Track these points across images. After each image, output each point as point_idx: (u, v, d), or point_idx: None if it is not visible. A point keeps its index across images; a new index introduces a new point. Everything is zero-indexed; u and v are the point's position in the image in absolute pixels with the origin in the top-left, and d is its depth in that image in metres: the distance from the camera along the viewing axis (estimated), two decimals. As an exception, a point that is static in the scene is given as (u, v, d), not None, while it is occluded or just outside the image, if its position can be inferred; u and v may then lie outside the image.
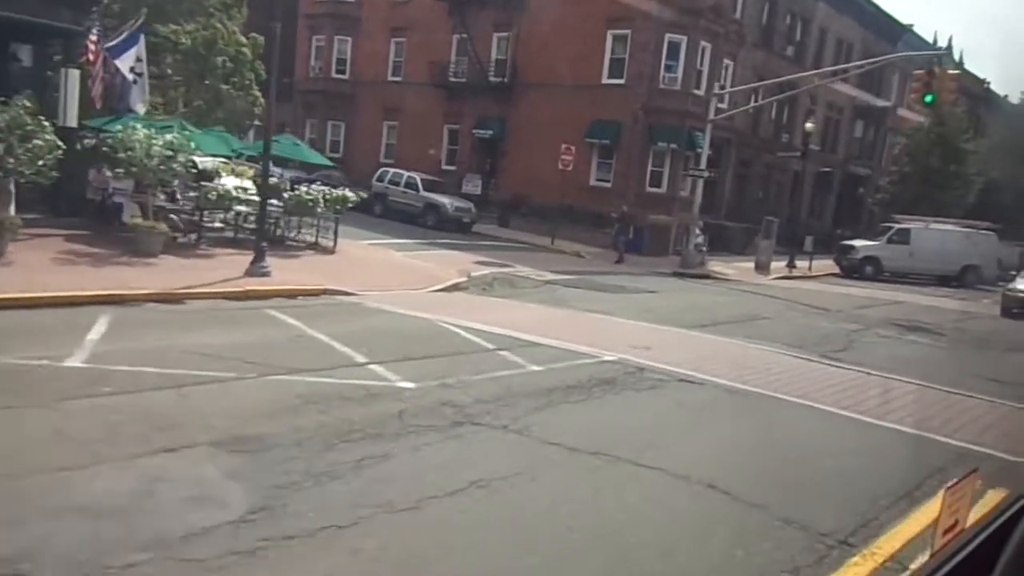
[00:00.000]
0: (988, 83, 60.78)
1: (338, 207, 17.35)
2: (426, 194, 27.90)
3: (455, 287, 15.84)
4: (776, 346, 12.16)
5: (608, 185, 30.45)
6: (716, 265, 27.43)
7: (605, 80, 30.45)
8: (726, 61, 33.23)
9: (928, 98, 19.57)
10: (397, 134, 37.35)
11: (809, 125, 29.61)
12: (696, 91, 30.32)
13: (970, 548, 1.23)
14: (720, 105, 32.82)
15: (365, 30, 38.27)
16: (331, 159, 38.01)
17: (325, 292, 13.42)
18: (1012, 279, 22.10)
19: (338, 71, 39.09)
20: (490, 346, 9.98)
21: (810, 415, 8.20)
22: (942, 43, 54.03)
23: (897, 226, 29.47)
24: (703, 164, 25.99)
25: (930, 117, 37.65)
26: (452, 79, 34.84)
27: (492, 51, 33.91)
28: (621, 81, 30.03)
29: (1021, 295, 19.42)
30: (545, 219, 29.30)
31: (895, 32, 45.89)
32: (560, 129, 29.81)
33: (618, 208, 25.91)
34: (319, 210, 17.13)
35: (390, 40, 37.38)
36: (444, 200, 27.68)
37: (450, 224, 27.29)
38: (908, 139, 38.84)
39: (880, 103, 44.59)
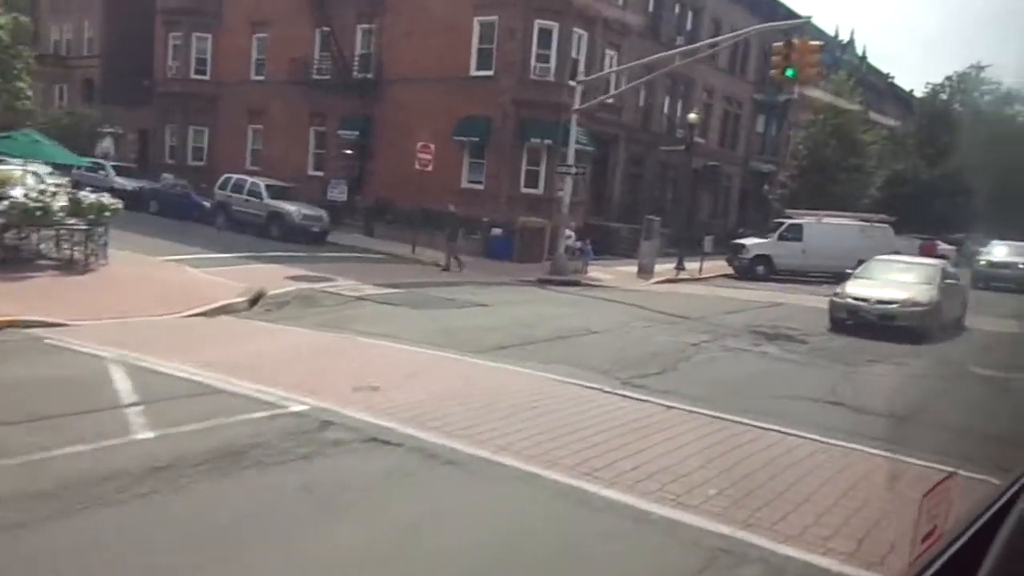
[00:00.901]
0: (892, 77, 60.50)
1: (92, 216, 14.30)
2: (270, 202, 24.93)
3: (223, 310, 12.98)
4: (575, 371, 9.63)
5: (481, 187, 27.87)
6: (597, 270, 25.08)
7: (473, 72, 27.91)
8: (609, 51, 31.05)
9: (789, 72, 17.48)
10: (263, 138, 34.20)
11: (693, 116, 27.51)
12: (573, 83, 27.98)
13: (950, 553, 1.20)
14: (607, 100, 30.72)
15: (225, 26, 35.04)
16: (195, 167, 34.88)
17: (11, 324, 10.42)
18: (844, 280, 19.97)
19: (198, 71, 35.74)
20: (132, 400, 7.18)
21: (529, 494, 5.60)
22: (844, 37, 53.28)
23: (788, 222, 27.56)
24: (571, 160, 23.54)
25: (827, 109, 36.20)
26: (316, 77, 31.88)
27: (356, 45, 31.10)
28: (490, 73, 27.52)
29: (852, 303, 14.93)
30: (413, 226, 26.73)
31: (788, 17, 44.52)
32: (428, 127, 27.14)
33: (460, 204, 23.36)
34: (68, 220, 14.06)
35: (251, 36, 34.22)
36: (290, 208, 24.71)
37: (298, 235, 24.37)
38: (806, 131, 37.28)
39: (782, 96, 43.09)
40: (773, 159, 42.84)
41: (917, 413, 8.72)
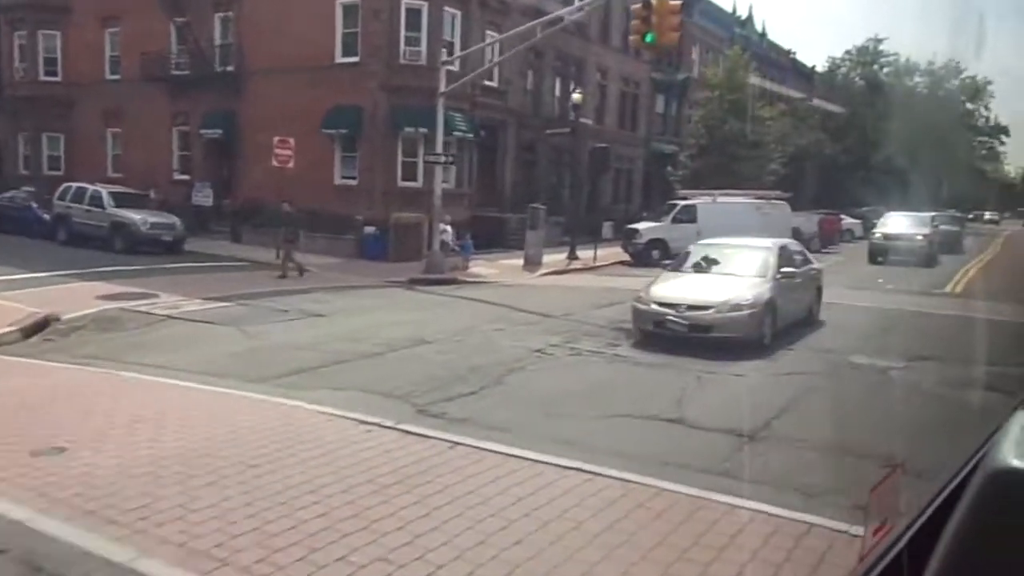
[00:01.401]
0: (794, 53, 60.52)
1: None
2: (114, 211, 22.43)
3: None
4: (368, 399, 7.88)
5: (354, 182, 25.85)
6: (481, 265, 23.40)
7: (339, 59, 25.83)
8: (490, 32, 29.28)
9: (648, 37, 16.06)
10: (123, 142, 31.41)
11: (576, 96, 26.00)
12: (450, 67, 26.18)
13: (901, 544, 1.21)
14: (490, 83, 29.08)
15: (74, 21, 32.00)
16: (51, 177, 31.83)
17: None
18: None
19: (48, 72, 32.61)
20: None
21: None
22: (743, 14, 52.81)
23: (682, 203, 26.36)
24: (439, 148, 21.74)
25: (723, 86, 35.27)
26: (175, 72, 29.28)
27: (215, 35, 28.64)
28: (356, 59, 25.48)
29: (656, 309, 11.35)
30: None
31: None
32: (296, 121, 25.04)
33: (331, 201, 21.53)
34: None
35: (103, 31, 31.35)
36: (134, 217, 22.26)
37: (146, 245, 21.99)
38: (703, 109, 36.29)
39: (680, 75, 42.14)
40: (675, 139, 41.84)
41: (763, 431, 7.20)
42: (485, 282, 20.67)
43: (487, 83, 29.48)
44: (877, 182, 49.61)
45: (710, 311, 10.90)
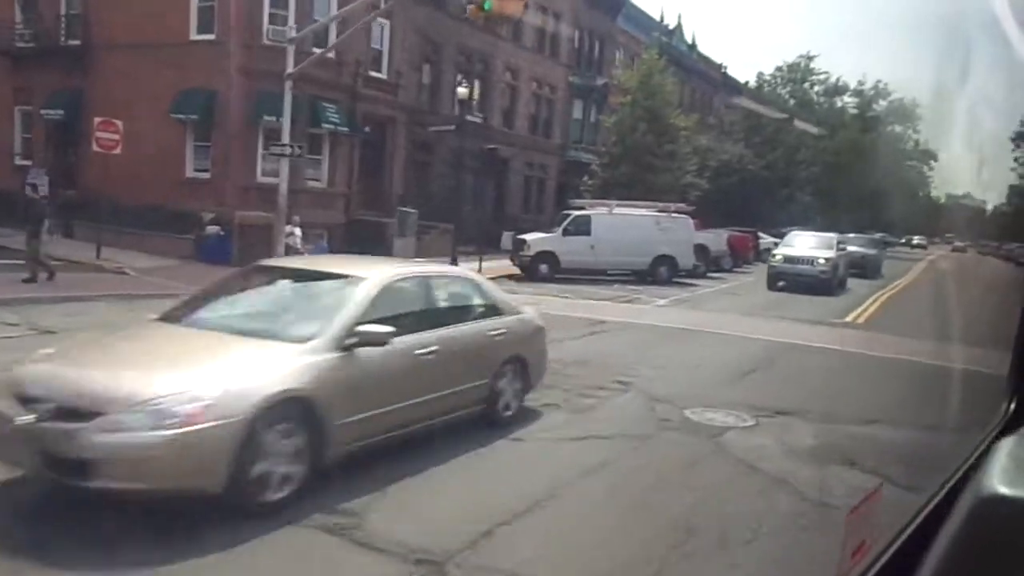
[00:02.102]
0: (725, 68, 59.23)
1: None
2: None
3: None
4: None
5: (207, 176, 22.86)
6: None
7: (194, 36, 22.83)
8: (378, 18, 26.60)
9: (486, 5, 13.64)
10: (-41, 122, 27.79)
11: (462, 89, 23.45)
12: (322, 50, 23.45)
13: (880, 565, 1.22)
14: (377, 74, 26.41)
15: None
16: None
17: None
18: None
19: None
20: None
21: None
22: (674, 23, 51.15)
23: (575, 213, 24.00)
24: (285, 138, 18.94)
25: (637, 91, 33.19)
26: (19, 45, 25.91)
27: (62, 3, 25.37)
28: (212, 36, 22.55)
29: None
30: (128, 224, 21.72)
31: (613, 2, 41.59)
32: (145, 104, 22.16)
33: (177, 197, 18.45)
34: None
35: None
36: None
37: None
38: (616, 115, 34.16)
39: (600, 79, 39.99)
40: (593, 148, 39.59)
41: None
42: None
43: (374, 74, 26.81)
44: (802, 201, 48.36)
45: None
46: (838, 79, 58.57)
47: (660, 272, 23.72)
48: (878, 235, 32.49)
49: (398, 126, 27.96)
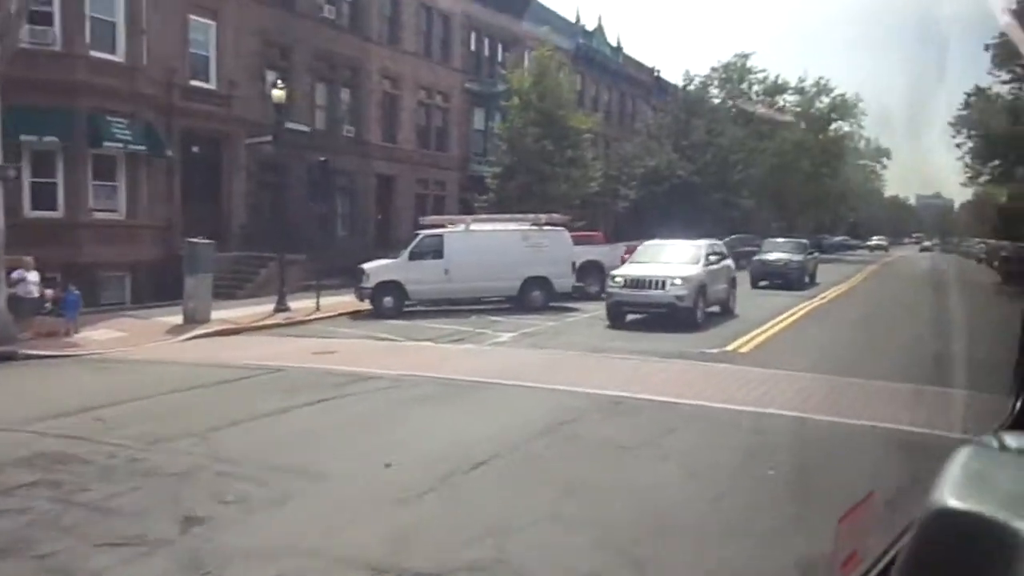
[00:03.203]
0: (658, 72, 55.92)
1: None
2: None
3: None
4: None
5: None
6: (114, 327, 16.53)
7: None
8: (197, 17, 22.72)
9: None
10: None
11: (277, 92, 19.38)
12: (109, 56, 19.48)
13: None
14: (204, 84, 22.54)
15: None
16: None
17: None
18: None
19: None
20: None
21: None
22: (592, 24, 47.70)
23: (423, 233, 19.98)
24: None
25: (531, 92, 29.41)
26: None
27: None
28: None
29: None
30: None
31: (517, 1, 37.92)
32: None
33: None
34: None
35: None
36: None
37: None
38: (507, 121, 30.37)
39: (502, 86, 36.25)
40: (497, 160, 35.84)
41: None
42: (74, 355, 13.80)
43: (198, 84, 22.84)
44: (741, 206, 44.79)
45: None
46: (777, 77, 55.29)
47: (533, 297, 19.74)
48: (804, 240, 28.53)
49: (234, 143, 23.91)
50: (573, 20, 44.94)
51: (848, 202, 72.51)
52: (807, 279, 26.30)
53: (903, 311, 19.88)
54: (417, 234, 20.06)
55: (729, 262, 18.58)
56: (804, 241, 28.33)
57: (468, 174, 34.83)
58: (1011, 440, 1.04)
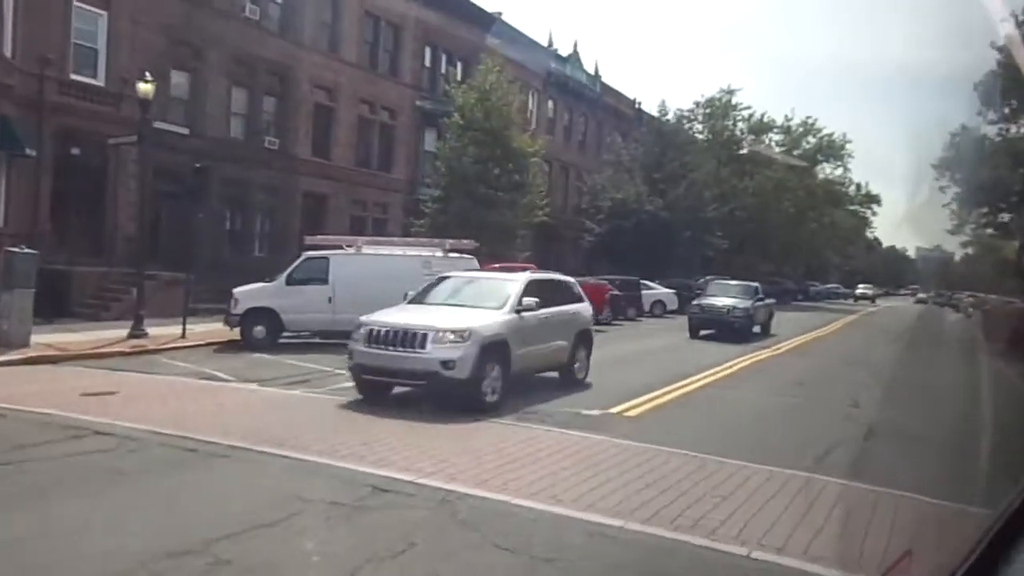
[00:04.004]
0: (640, 103, 53.81)
1: None
2: None
3: None
4: None
5: None
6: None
7: None
8: (83, 5, 20.35)
9: None
10: None
11: (144, 85, 16.85)
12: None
13: None
14: (88, 79, 20.14)
15: None
16: None
17: None
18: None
19: None
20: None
21: None
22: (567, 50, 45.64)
23: (305, 255, 17.35)
24: None
25: (475, 109, 27.02)
26: None
27: None
28: None
29: None
30: None
31: (480, 18, 35.76)
32: None
33: None
34: None
35: None
36: None
37: None
38: (445, 141, 27.94)
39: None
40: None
41: None
42: None
43: (82, 79, 20.41)
44: (712, 246, 42.29)
45: None
46: (763, 115, 53.16)
47: (431, 332, 17.04)
48: (754, 283, 25.26)
49: (123, 147, 21.37)
50: (546, 44, 42.88)
51: (837, 248, 70.11)
52: (758, 328, 23.25)
53: (852, 373, 17.15)
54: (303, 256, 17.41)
55: (579, 307, 13.06)
56: (754, 284, 24.79)
57: (415, 197, 32.25)
58: None
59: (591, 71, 47.47)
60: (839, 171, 56.60)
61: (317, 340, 17.12)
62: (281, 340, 17.25)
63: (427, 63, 33.14)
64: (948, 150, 31.27)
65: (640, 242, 37.20)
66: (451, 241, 17.91)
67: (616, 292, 26.32)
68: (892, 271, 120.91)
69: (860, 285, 67.29)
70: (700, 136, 51.21)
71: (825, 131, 53.67)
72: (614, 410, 10.81)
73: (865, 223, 67.84)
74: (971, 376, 17.40)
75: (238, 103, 25.06)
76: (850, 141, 54.31)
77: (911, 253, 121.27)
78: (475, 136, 26.28)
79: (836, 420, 11.38)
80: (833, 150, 53.33)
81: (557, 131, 44.54)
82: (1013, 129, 28.20)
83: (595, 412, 10.59)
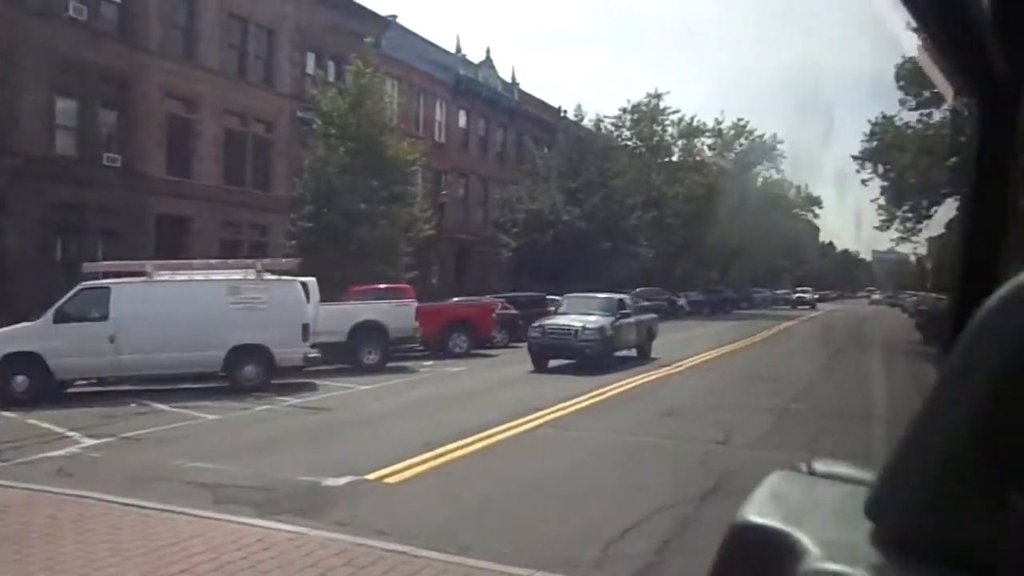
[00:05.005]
0: (565, 111, 51.43)
1: None
2: None
3: None
4: None
5: None
6: None
7: None
8: None
9: None
10: None
11: None
12: None
13: None
14: None
15: None
16: None
17: None
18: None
19: None
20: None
21: None
22: (477, 55, 43.17)
23: (81, 286, 14.31)
24: None
25: (348, 115, 24.24)
26: None
27: None
28: None
29: None
30: None
31: (374, 22, 33.08)
32: None
33: None
34: None
35: None
36: None
37: None
38: (311, 152, 25.06)
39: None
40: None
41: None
42: None
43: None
44: (637, 256, 39.87)
45: None
46: (692, 118, 51.18)
47: (245, 374, 14.11)
48: (620, 296, 20.01)
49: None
50: (454, 50, 40.36)
51: (788, 253, 68.38)
52: (632, 352, 19.15)
53: (746, 396, 14.46)
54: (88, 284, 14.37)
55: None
56: (619, 297, 19.77)
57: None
58: (820, 466, 1.06)
59: (507, 79, 45.03)
60: (774, 174, 54.80)
61: (101, 390, 14.13)
62: (72, 389, 14.33)
63: (309, 70, 30.26)
64: (869, 140, 29.19)
65: (558, 255, 34.71)
66: (266, 261, 15.01)
67: (510, 311, 23.55)
68: (846, 274, 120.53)
69: (798, 289, 64.94)
70: (628, 143, 49.06)
71: (756, 133, 51.88)
72: (371, 476, 7.99)
73: (813, 227, 66.16)
74: (898, 385, 14.86)
75: (65, 115, 21.96)
76: (781, 142, 52.61)
77: (866, 256, 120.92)
78: (347, 145, 23.48)
79: (684, 468, 8.71)
80: (765, 151, 51.51)
81: (472, 142, 41.98)
82: (937, 115, 26.13)
83: (341, 481, 7.77)
